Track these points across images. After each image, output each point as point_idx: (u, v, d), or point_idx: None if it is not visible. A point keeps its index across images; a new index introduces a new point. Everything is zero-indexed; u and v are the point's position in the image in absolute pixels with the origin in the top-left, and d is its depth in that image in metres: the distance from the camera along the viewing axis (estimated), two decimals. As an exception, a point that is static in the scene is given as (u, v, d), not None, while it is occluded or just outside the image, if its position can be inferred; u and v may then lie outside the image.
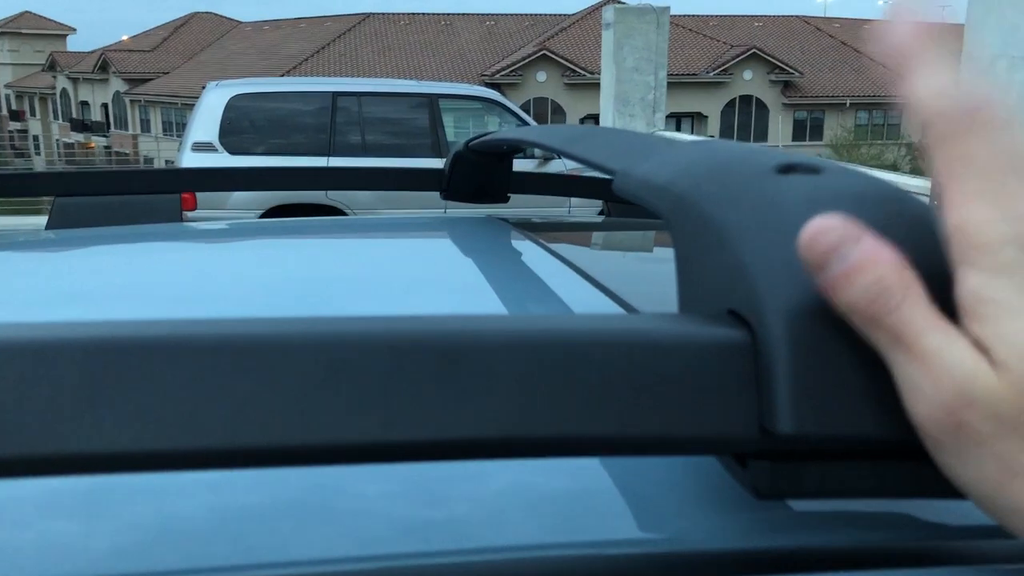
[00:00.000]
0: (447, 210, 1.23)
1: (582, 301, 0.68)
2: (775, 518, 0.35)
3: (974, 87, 0.29)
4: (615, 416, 0.26)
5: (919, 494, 0.29)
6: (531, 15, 34.81)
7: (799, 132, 31.63)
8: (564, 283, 0.73)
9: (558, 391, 0.26)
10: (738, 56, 30.26)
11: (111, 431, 0.24)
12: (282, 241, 0.99)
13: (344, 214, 6.37)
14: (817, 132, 31.39)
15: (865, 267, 0.26)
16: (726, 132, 29.91)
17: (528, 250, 0.86)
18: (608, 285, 0.69)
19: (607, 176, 0.47)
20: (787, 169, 0.33)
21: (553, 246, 0.85)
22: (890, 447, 0.28)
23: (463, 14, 34.70)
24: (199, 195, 4.85)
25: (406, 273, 0.81)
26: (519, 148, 0.95)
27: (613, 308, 0.65)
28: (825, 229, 0.27)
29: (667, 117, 10.50)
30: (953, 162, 0.27)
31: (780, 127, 30.84)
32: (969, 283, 0.26)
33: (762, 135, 30.70)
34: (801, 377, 0.27)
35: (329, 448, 0.25)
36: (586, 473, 0.38)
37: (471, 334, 0.27)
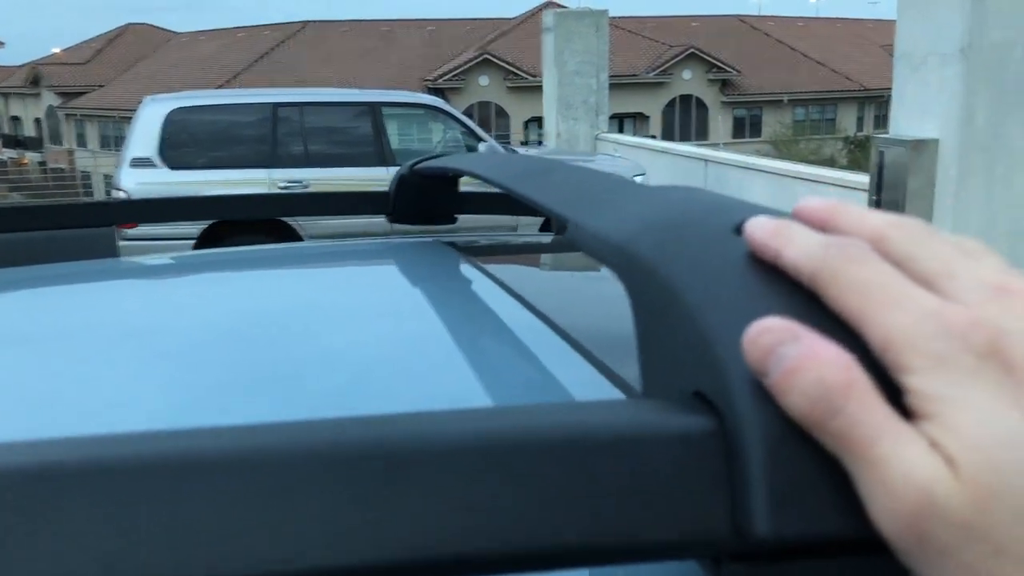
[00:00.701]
0: (394, 228, 1.21)
1: (519, 331, 0.68)
2: None
3: (834, 241, 0.28)
4: (571, 523, 0.24)
5: None
6: (471, 20, 34.76)
7: (739, 130, 32.08)
8: (502, 312, 0.72)
9: (504, 500, 0.24)
10: (677, 56, 30.58)
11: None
12: (223, 275, 0.96)
13: (290, 227, 6.29)
14: (756, 129, 31.87)
15: (803, 368, 0.25)
16: (667, 131, 30.20)
17: (470, 277, 0.86)
18: (549, 312, 0.69)
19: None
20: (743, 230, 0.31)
21: (496, 271, 0.84)
22: (879, 544, 0.25)
23: (403, 20, 34.55)
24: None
25: (346, 305, 0.80)
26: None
27: (551, 338, 0.64)
28: (763, 330, 0.26)
29: (610, 118, 10.57)
30: (851, 289, 0.26)
31: (720, 125, 31.24)
32: (912, 386, 0.25)
33: (703, 133, 31.05)
34: (779, 473, 0.24)
35: None
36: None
37: (386, 441, 0.24)
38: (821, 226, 0.30)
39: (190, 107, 6.51)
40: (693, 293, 0.29)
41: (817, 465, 0.25)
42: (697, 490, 0.25)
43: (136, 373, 0.61)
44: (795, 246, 0.28)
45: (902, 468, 0.23)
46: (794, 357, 0.25)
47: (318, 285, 0.91)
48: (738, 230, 0.31)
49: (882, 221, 0.29)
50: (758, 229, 0.30)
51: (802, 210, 0.31)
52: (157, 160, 6.34)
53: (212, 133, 6.54)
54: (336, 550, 0.23)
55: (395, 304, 0.79)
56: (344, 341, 0.67)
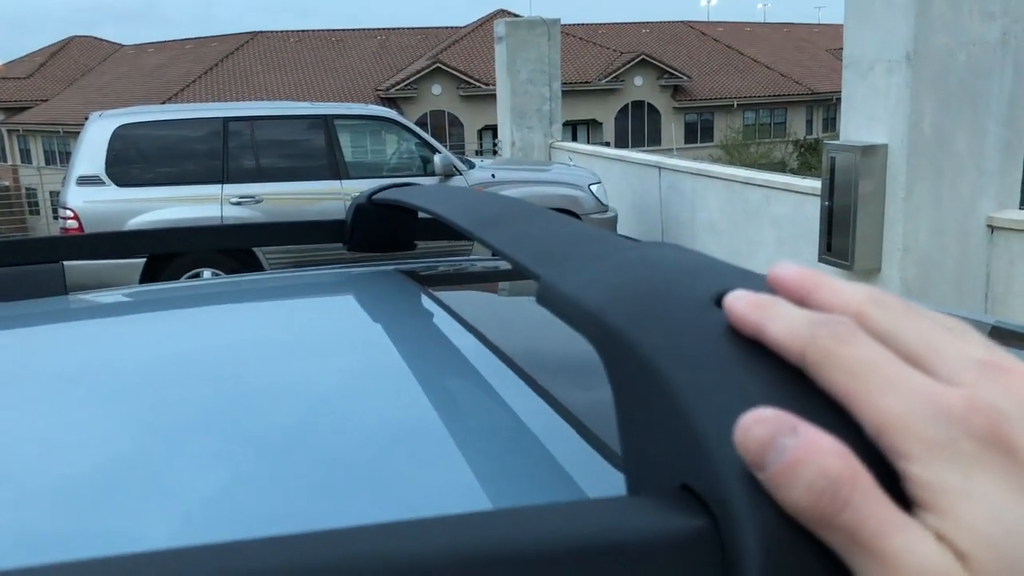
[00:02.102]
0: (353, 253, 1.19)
1: (470, 362, 0.66)
2: None
3: (816, 319, 0.27)
4: None
5: None
6: (422, 29, 34.74)
7: (691, 135, 32.44)
8: (456, 346, 0.71)
9: None
10: (628, 63, 30.86)
11: None
12: (176, 312, 0.94)
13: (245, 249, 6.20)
14: (708, 134, 32.26)
15: (805, 460, 0.23)
16: (621, 137, 30.43)
17: (424, 307, 0.84)
18: (502, 345, 0.68)
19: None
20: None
21: (452, 301, 0.83)
22: None
23: (353, 30, 34.39)
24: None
25: (300, 339, 0.78)
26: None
27: (503, 371, 0.63)
28: (756, 422, 0.24)
29: (563, 125, 10.60)
30: (843, 370, 0.25)
31: (673, 131, 31.56)
32: (912, 474, 0.24)
33: (655, 139, 31.35)
34: None
35: None
36: None
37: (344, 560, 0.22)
38: (800, 299, 0.29)
39: (137, 123, 6.39)
40: (678, 377, 0.27)
41: (820, 567, 0.23)
42: None
43: (85, 416, 0.59)
44: (779, 322, 0.27)
45: (914, 561, 0.22)
46: (794, 449, 0.23)
47: (272, 318, 0.89)
48: (718, 302, 0.30)
49: (863, 297, 0.28)
50: (739, 303, 0.29)
51: (780, 280, 0.30)
52: (104, 178, 6.21)
53: (161, 149, 6.43)
54: None
55: (348, 337, 0.77)
56: (297, 376, 0.66)
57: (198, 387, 0.64)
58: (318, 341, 0.78)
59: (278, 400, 0.61)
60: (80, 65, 34.91)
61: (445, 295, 0.88)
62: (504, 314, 0.96)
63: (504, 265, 1.22)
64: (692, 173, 7.21)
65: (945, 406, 0.24)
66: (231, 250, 6.07)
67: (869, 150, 4.54)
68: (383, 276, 1.00)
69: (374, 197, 0.95)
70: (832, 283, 0.29)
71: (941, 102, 4.43)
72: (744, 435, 0.24)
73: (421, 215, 1.06)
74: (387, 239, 1.05)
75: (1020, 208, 4.70)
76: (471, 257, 1.38)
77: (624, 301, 0.32)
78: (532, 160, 9.43)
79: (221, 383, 0.65)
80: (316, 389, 0.63)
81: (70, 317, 0.94)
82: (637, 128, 31.70)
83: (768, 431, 0.24)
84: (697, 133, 32.52)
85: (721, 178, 6.81)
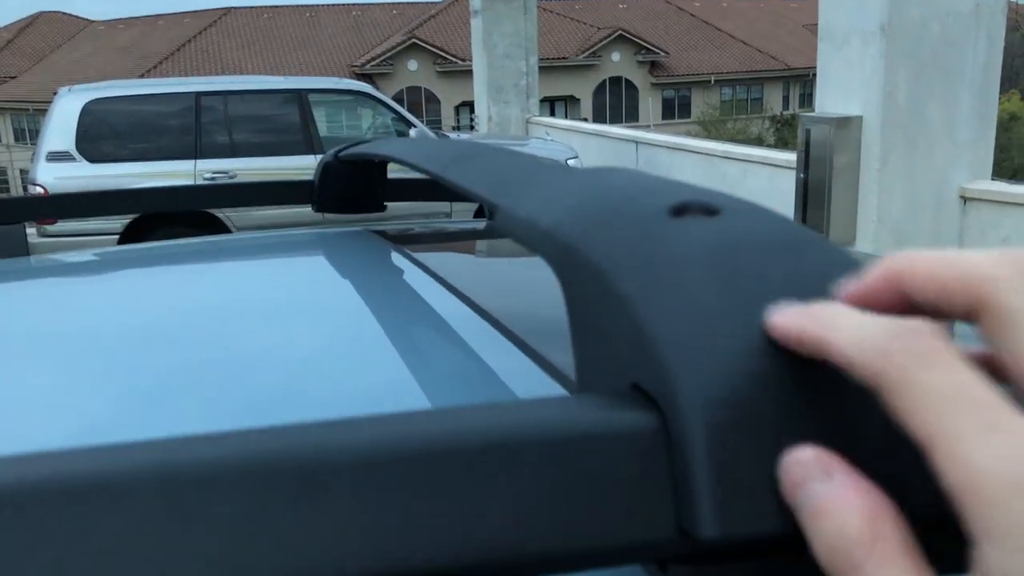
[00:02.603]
0: (325, 218, 1.17)
1: (450, 321, 0.66)
2: None
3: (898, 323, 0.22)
4: (502, 533, 0.22)
5: None
6: (397, 3, 34.41)
7: (668, 111, 32.44)
8: (431, 301, 0.71)
9: (425, 513, 0.22)
10: (605, 38, 30.75)
11: None
12: (142, 272, 0.92)
13: (218, 219, 6.16)
14: (685, 110, 32.26)
15: (828, 513, 0.22)
16: (598, 113, 30.39)
17: (398, 266, 0.84)
18: (480, 301, 0.68)
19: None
20: (680, 211, 0.29)
21: (425, 259, 0.83)
22: None
23: (328, 5, 34.00)
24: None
25: (269, 299, 0.77)
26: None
27: (483, 327, 0.63)
28: (795, 462, 0.23)
29: (541, 102, 10.57)
30: (926, 404, 0.21)
31: (650, 107, 31.55)
32: (988, 560, 0.19)
33: (633, 115, 31.33)
34: (724, 471, 0.23)
35: None
36: None
37: (292, 456, 0.22)
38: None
39: (108, 98, 6.30)
40: (628, 282, 0.27)
41: (762, 462, 0.23)
42: (639, 492, 0.23)
43: (46, 380, 0.58)
44: (844, 333, 0.23)
45: None
46: (820, 498, 0.22)
47: (240, 279, 0.88)
48: (673, 212, 0.29)
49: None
50: (786, 316, 0.24)
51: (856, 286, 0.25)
52: (75, 154, 6.12)
53: (132, 125, 6.34)
54: None
55: (319, 297, 0.76)
56: (267, 336, 0.65)
57: (167, 350, 0.63)
58: (290, 301, 0.77)
59: (250, 362, 0.60)
60: (49, 41, 34.31)
61: (417, 253, 0.88)
62: (478, 271, 0.96)
63: (475, 226, 1.21)
64: (669, 148, 7.22)
65: None
66: (201, 224, 6.02)
67: (844, 122, 4.56)
68: (355, 236, 0.99)
69: (341, 154, 0.94)
70: (928, 262, 0.24)
71: (915, 73, 4.45)
72: (784, 475, 0.23)
73: (391, 176, 1.05)
74: (356, 200, 1.04)
75: (992, 179, 4.74)
76: (443, 219, 1.37)
77: (578, 217, 0.32)
78: (509, 135, 9.39)
79: (190, 345, 0.64)
80: (291, 351, 0.62)
81: (34, 276, 0.93)
82: (615, 104, 31.65)
83: (802, 473, 0.23)
84: (675, 109, 32.51)
85: (698, 152, 6.82)
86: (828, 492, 0.22)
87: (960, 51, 4.50)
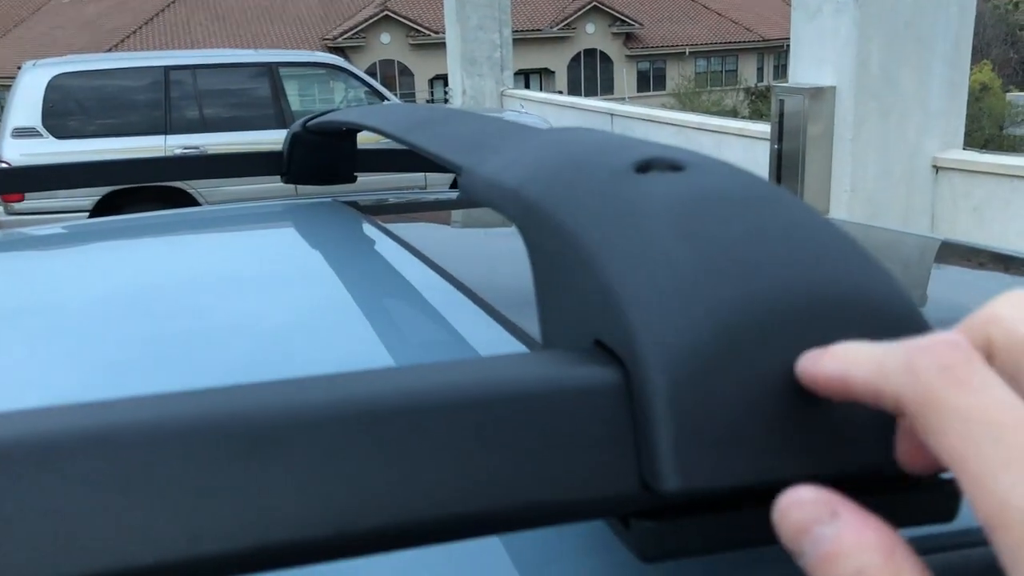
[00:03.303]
0: (299, 192, 1.16)
1: (422, 290, 0.66)
2: None
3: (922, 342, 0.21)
4: (463, 490, 0.22)
5: None
6: (370, -24, 34.00)
7: (643, 83, 32.38)
8: (403, 271, 0.70)
9: (388, 470, 0.21)
10: (580, 9, 30.59)
11: None
12: (110, 244, 0.91)
13: (190, 195, 6.09)
14: (660, 82, 32.21)
15: (842, 554, 0.20)
16: (573, 86, 30.27)
17: (369, 236, 0.83)
18: (452, 270, 0.67)
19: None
20: (645, 167, 0.29)
21: (397, 230, 0.82)
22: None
23: (299, -23, 33.53)
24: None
25: (238, 270, 0.77)
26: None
27: (455, 296, 0.62)
28: (794, 504, 0.22)
29: (515, 74, 10.51)
30: (954, 429, 0.19)
31: (625, 79, 31.48)
32: None
33: (608, 88, 31.25)
34: (685, 424, 0.23)
35: None
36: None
37: (245, 415, 0.21)
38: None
39: (74, 72, 6.19)
40: (591, 237, 0.26)
41: (723, 416, 0.23)
42: (601, 447, 0.23)
43: (13, 354, 0.57)
44: (864, 363, 0.22)
45: None
46: (831, 541, 0.21)
47: (208, 251, 0.87)
48: (638, 168, 0.29)
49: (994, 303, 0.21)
50: (810, 361, 0.23)
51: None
52: (41, 130, 6.02)
53: (100, 100, 6.24)
54: (191, 540, 0.20)
55: (287, 267, 0.76)
56: (234, 307, 0.65)
57: (134, 323, 0.62)
58: (258, 271, 0.76)
59: (217, 333, 0.60)
60: (11, 16, 33.61)
61: (388, 223, 0.87)
62: (449, 240, 0.95)
63: (448, 196, 1.20)
64: (644, 119, 7.21)
65: None
66: (172, 200, 5.95)
67: (817, 92, 4.56)
68: (325, 207, 0.98)
69: (309, 124, 0.93)
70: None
71: (888, 43, 4.46)
72: (781, 519, 0.22)
73: (361, 147, 1.04)
74: (326, 170, 1.03)
75: (964, 148, 4.77)
76: (413, 190, 1.36)
77: (543, 175, 0.31)
78: (484, 108, 9.34)
79: (158, 317, 0.63)
80: (257, 321, 0.62)
81: (5, 248, 0.91)
82: (590, 77, 31.55)
83: (806, 516, 0.21)
84: (650, 81, 32.45)
85: (673, 124, 6.82)
86: (838, 534, 0.21)
87: (932, 21, 4.51)
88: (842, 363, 0.23)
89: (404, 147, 0.57)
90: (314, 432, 0.21)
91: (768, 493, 0.22)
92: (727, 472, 0.23)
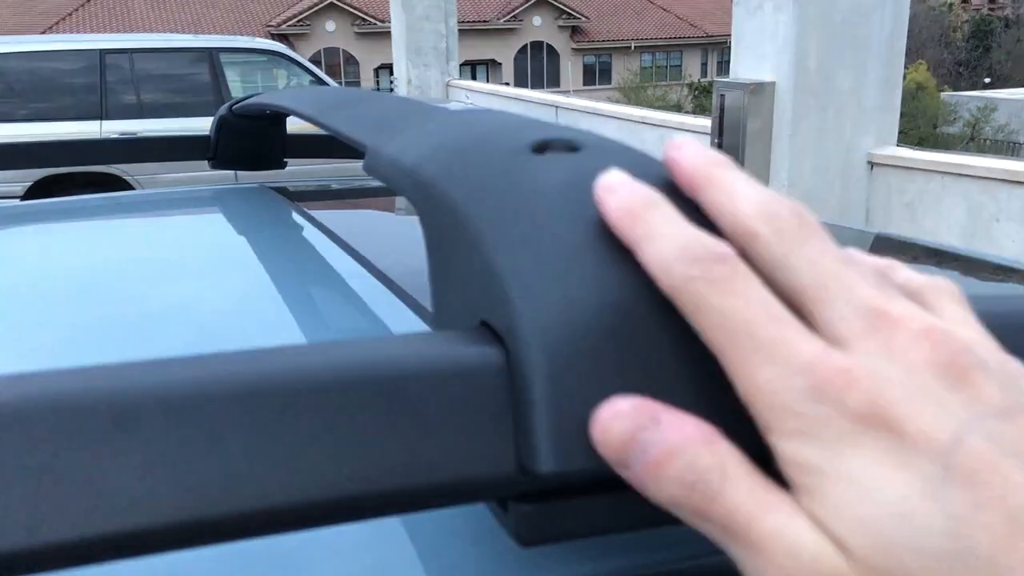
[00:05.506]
0: (238, 178, 1.14)
1: (335, 272, 0.66)
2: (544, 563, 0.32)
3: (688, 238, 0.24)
4: (335, 473, 0.21)
5: None
6: (315, -37, 33.54)
7: (589, 77, 32.53)
8: (320, 256, 0.70)
9: (249, 451, 0.21)
10: (526, 2, 30.59)
11: None
12: (34, 228, 0.89)
13: (123, 179, 5.95)
14: (606, 76, 32.40)
15: (671, 455, 0.22)
16: (520, 78, 30.28)
17: (291, 221, 0.83)
18: (368, 255, 0.67)
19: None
20: (542, 148, 0.29)
21: (318, 215, 0.82)
22: None
23: (242, -38, 32.95)
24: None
25: (159, 256, 0.75)
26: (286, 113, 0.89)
27: (368, 280, 0.62)
28: (614, 415, 0.22)
29: (462, 65, 10.48)
30: (715, 325, 0.23)
31: (571, 72, 31.58)
32: (781, 452, 0.22)
33: (554, 81, 31.32)
34: (563, 405, 0.22)
35: None
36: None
37: (111, 392, 0.21)
38: (691, 194, 0.26)
39: (6, 54, 6.00)
40: (479, 215, 0.26)
41: (603, 397, 0.23)
42: (479, 428, 0.23)
43: None
44: (655, 245, 0.24)
45: (789, 545, 0.21)
46: (658, 445, 0.22)
47: (133, 235, 0.85)
48: (535, 148, 0.29)
49: (757, 210, 0.24)
50: (611, 201, 0.25)
51: (674, 164, 0.26)
52: (-30, 113, 5.83)
53: (33, 83, 6.05)
54: (49, 525, 0.19)
55: (209, 252, 0.75)
56: (154, 292, 0.64)
57: (57, 308, 0.61)
58: (180, 256, 0.75)
59: (137, 317, 0.59)
60: (-59, -5, 32.46)
61: (312, 210, 0.87)
62: (370, 225, 0.95)
63: (374, 183, 1.19)
64: (588, 112, 7.24)
65: (821, 380, 0.22)
66: (107, 186, 5.81)
67: (757, 88, 4.63)
68: (251, 192, 0.97)
69: (235, 107, 0.91)
70: (729, 181, 0.25)
71: (826, 40, 4.55)
72: (603, 434, 0.22)
73: (290, 132, 1.03)
74: (254, 156, 1.01)
75: (897, 145, 4.89)
76: (342, 177, 1.35)
77: (440, 155, 0.31)
78: (429, 99, 9.29)
79: (81, 302, 0.62)
80: (189, 308, 0.61)
81: None
82: (536, 69, 31.58)
83: (627, 427, 0.22)
84: (596, 75, 32.61)
85: (617, 118, 6.86)
86: (664, 437, 0.22)
87: (868, 18, 4.60)
88: (636, 234, 0.24)
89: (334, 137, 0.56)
90: (175, 414, 0.20)
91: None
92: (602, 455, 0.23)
